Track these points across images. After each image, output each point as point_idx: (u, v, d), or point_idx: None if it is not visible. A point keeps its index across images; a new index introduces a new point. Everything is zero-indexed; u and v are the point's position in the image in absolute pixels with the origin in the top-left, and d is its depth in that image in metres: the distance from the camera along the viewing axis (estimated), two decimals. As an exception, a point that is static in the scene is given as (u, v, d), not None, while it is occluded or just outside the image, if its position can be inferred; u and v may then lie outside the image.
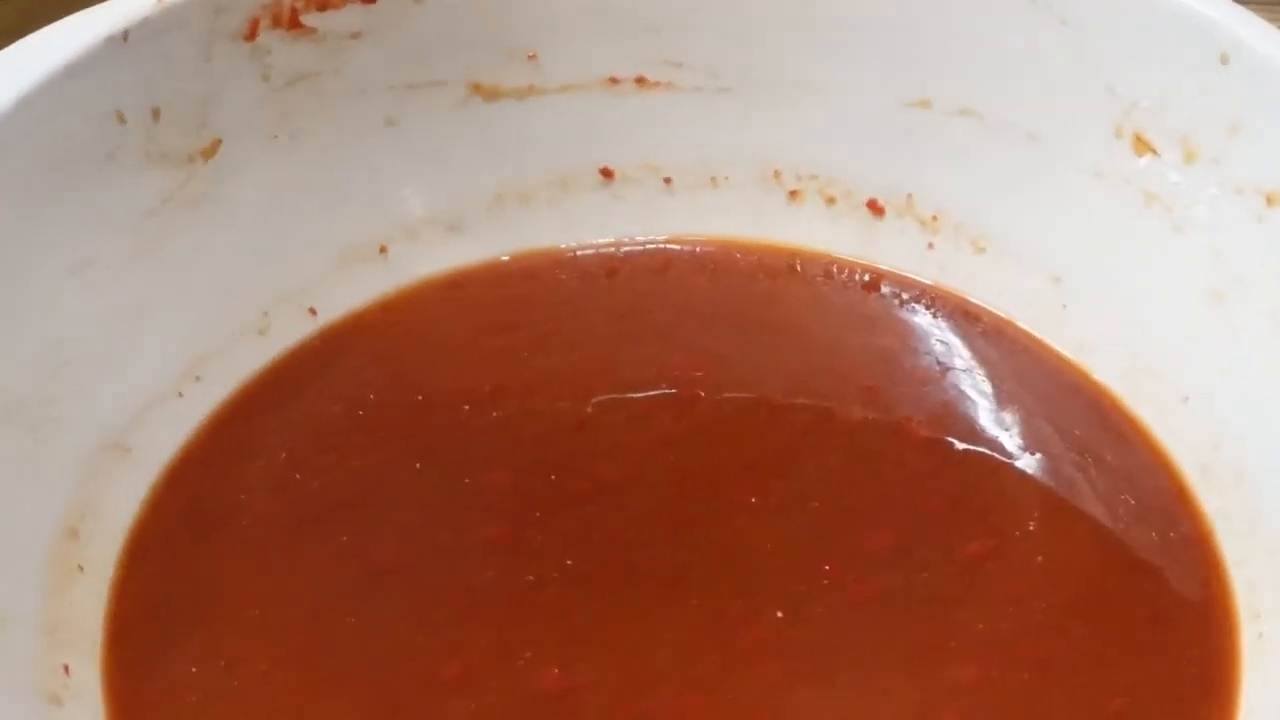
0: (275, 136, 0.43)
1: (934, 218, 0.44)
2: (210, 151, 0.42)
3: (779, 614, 0.38)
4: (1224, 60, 0.39)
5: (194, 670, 0.37)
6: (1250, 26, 0.39)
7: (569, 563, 0.39)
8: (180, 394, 0.42)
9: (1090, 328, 0.42)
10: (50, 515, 0.38)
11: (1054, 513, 0.40)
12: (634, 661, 0.37)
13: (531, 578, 0.39)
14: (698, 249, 0.46)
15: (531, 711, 0.36)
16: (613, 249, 0.46)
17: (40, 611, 0.37)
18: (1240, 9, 0.39)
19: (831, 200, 0.45)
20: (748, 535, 0.39)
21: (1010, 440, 0.42)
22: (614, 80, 0.45)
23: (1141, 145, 0.41)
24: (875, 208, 0.45)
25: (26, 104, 0.38)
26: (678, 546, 0.39)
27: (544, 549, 0.39)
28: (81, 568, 0.38)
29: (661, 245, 0.46)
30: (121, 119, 0.40)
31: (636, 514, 0.40)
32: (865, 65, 0.43)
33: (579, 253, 0.46)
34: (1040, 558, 0.39)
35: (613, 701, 0.36)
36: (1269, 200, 0.38)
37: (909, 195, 0.44)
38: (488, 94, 0.44)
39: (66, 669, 0.36)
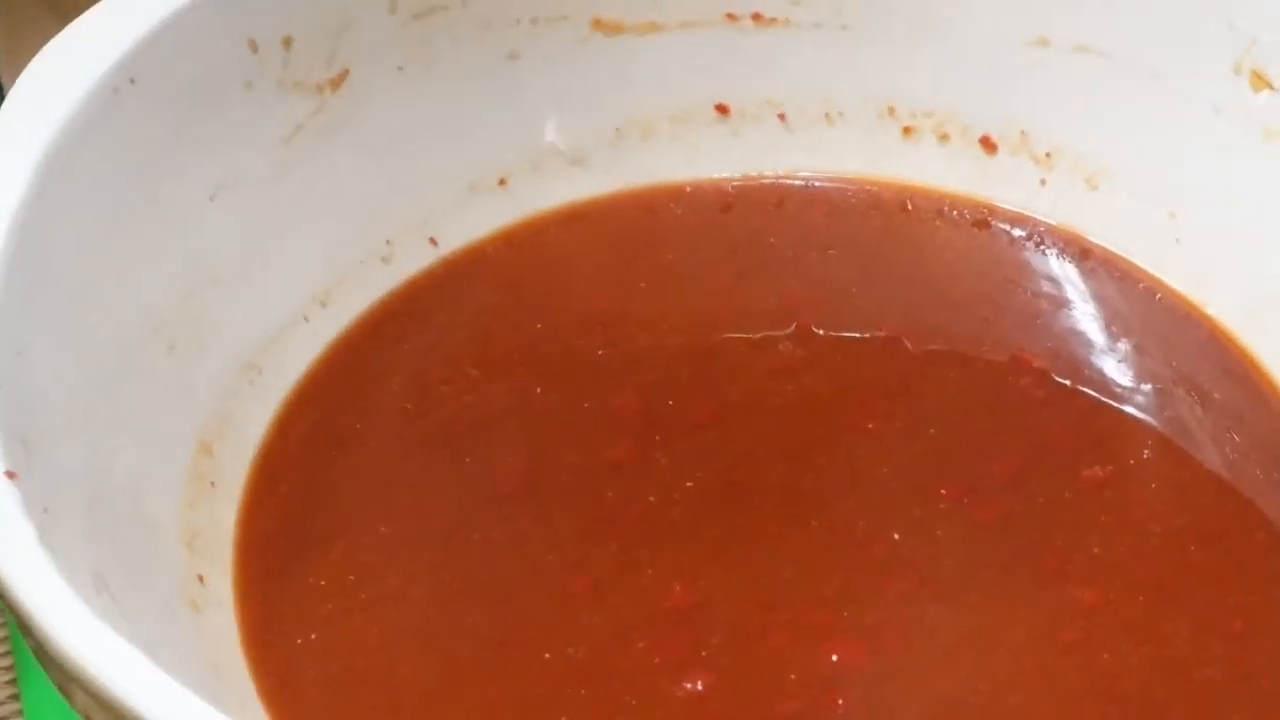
0: (402, 68, 0.43)
1: (1047, 154, 0.45)
2: (339, 81, 0.42)
3: (896, 535, 0.38)
4: (1347, -6, 0.39)
5: (324, 583, 0.38)
6: (1373, -39, 0.39)
7: (690, 484, 0.39)
8: (307, 319, 0.42)
9: (1205, 263, 0.43)
10: (187, 431, 0.39)
11: (1168, 443, 0.41)
12: (757, 579, 0.38)
13: (654, 498, 0.39)
14: (812, 185, 0.47)
15: (659, 625, 0.37)
16: (728, 184, 0.47)
17: (180, 521, 0.38)
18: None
19: (945, 137, 0.46)
20: (867, 460, 0.40)
21: (1124, 373, 0.42)
22: (732, 17, 0.45)
23: (1259, 81, 0.41)
24: (989, 144, 0.45)
25: (165, 31, 0.39)
26: (798, 470, 0.40)
27: (667, 470, 0.40)
28: (214, 483, 0.39)
29: (776, 181, 0.47)
30: (254, 47, 0.40)
31: (757, 438, 0.41)
32: (983, 3, 0.44)
33: (695, 187, 0.47)
34: (1155, 485, 0.40)
35: (737, 616, 0.37)
36: (1388, 135, 0.39)
37: (1023, 132, 0.45)
38: (609, 29, 0.45)
39: (202, 579, 0.37)
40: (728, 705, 0.36)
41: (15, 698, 0.42)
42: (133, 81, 0.38)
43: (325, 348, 0.43)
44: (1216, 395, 0.41)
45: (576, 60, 0.45)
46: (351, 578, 0.38)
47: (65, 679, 0.29)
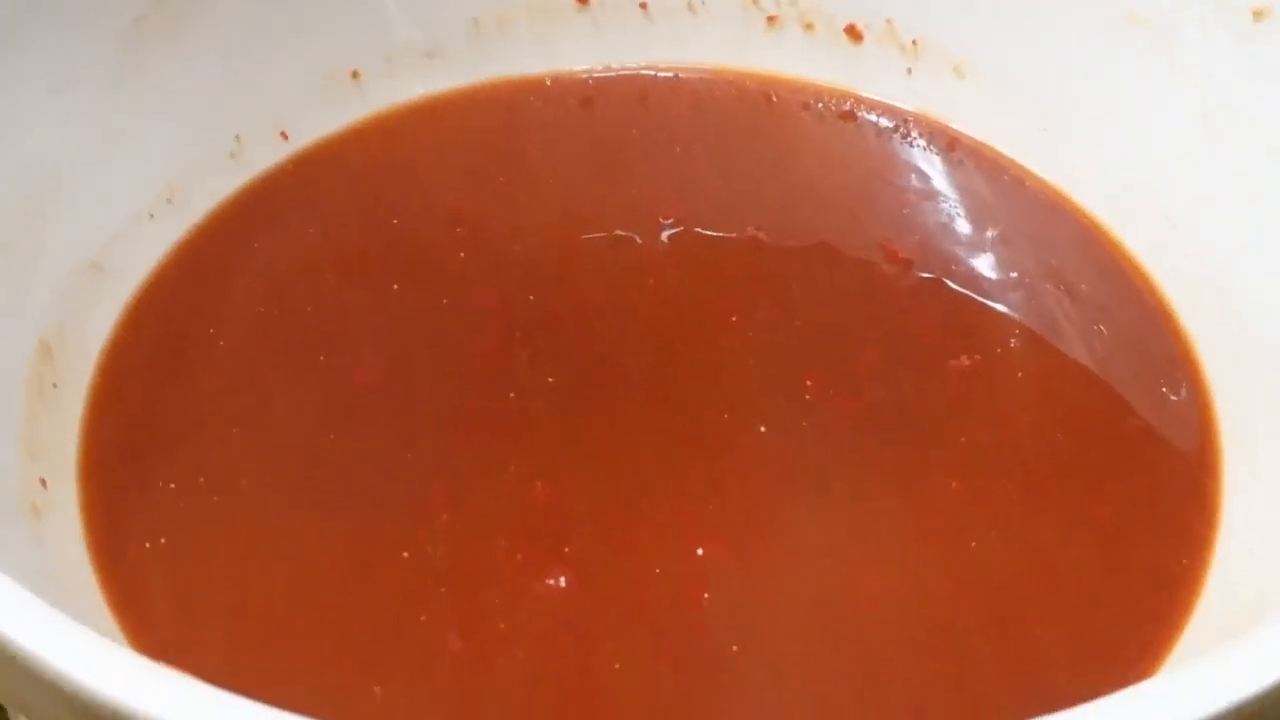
0: (248, -44, 0.42)
1: (914, 43, 0.44)
2: (184, -32, 0.41)
3: (762, 428, 0.38)
4: None
5: (173, 486, 0.37)
6: None
7: (551, 380, 0.39)
8: (152, 216, 0.41)
9: (1073, 152, 0.42)
10: (25, 333, 0.38)
11: (1036, 334, 0.40)
12: (620, 475, 0.37)
13: (514, 395, 0.38)
14: (675, 77, 0.46)
15: (520, 524, 0.36)
16: (589, 77, 0.46)
17: (17, 425, 0.36)
18: None
19: (810, 26, 0.45)
20: (730, 353, 0.39)
21: (991, 265, 0.41)
22: (592, -98, 0.44)
23: (1126, -37, 0.41)
24: (854, 33, 0.45)
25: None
26: (661, 364, 0.39)
27: (527, 367, 0.39)
28: (55, 385, 0.38)
29: (638, 73, 0.46)
30: (95, -72, 0.39)
31: (619, 333, 0.40)
32: (847, -114, 0.43)
33: (555, 80, 0.45)
34: (1022, 375, 0.39)
35: (600, 512, 0.36)
36: (1256, 15, 0.38)
37: (888, 20, 0.44)
38: (465, -83, 0.44)
39: (44, 482, 0.36)
40: (591, 601, 0.35)
41: None
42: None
43: (172, 246, 0.41)
44: (1083, 287, 0.41)
45: (431, -52, 0.44)
46: (201, 480, 0.37)
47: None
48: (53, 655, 0.25)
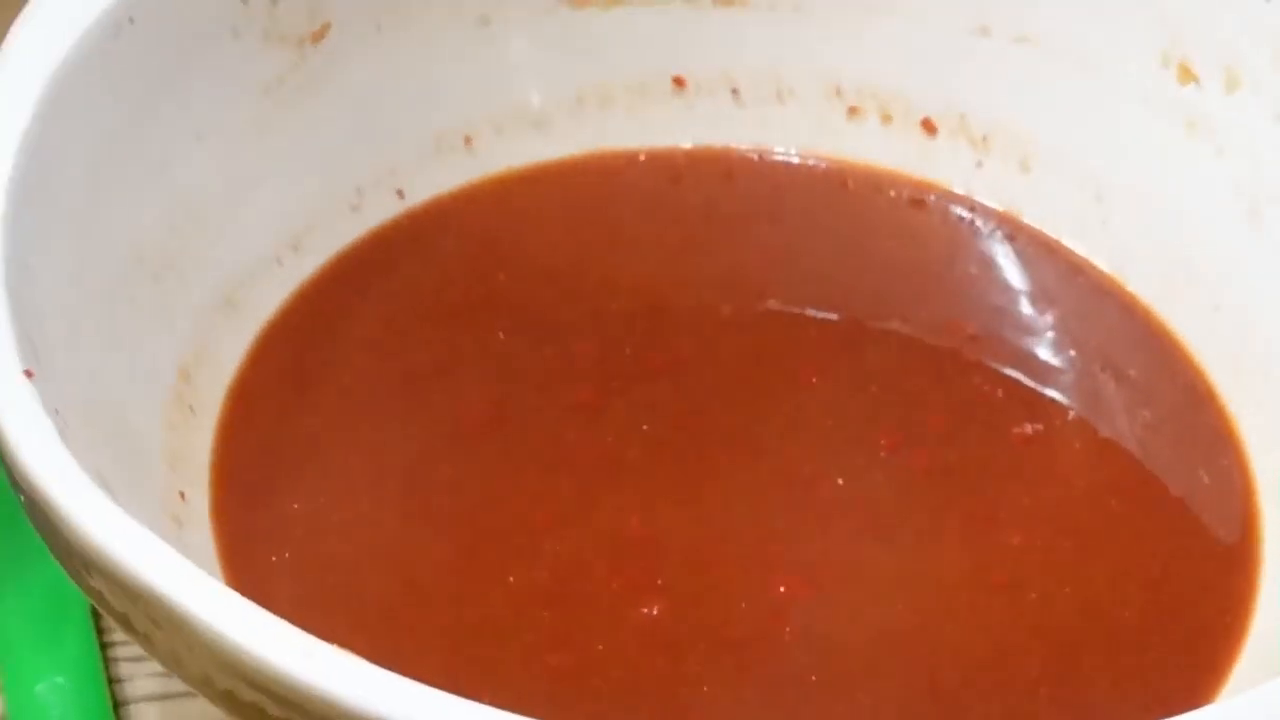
0: (379, 27, 0.45)
1: (984, 138, 0.48)
2: (320, 35, 0.44)
3: (839, 480, 0.41)
4: (1269, -7, 0.42)
5: (297, 506, 0.40)
6: (1295, -40, 0.42)
7: (646, 427, 0.42)
8: (280, 261, 0.44)
9: (1128, 243, 0.46)
10: (169, 357, 0.41)
11: (1089, 409, 0.43)
12: (709, 514, 0.40)
13: (612, 439, 0.42)
14: (760, 158, 0.49)
15: (617, 554, 0.39)
16: (680, 153, 0.49)
17: (162, 442, 0.39)
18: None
19: (888, 118, 0.48)
20: (810, 411, 0.42)
21: (1050, 345, 0.45)
22: (693, -5, 0.48)
23: (1186, 75, 0.44)
24: (929, 126, 0.48)
25: (162, -26, 0.41)
26: (746, 418, 0.42)
27: (624, 414, 0.42)
28: (193, 409, 0.41)
29: (725, 152, 0.49)
30: (244, -2, 0.43)
31: (708, 388, 0.43)
32: (931, -10, 0.47)
33: (649, 155, 0.49)
34: (1079, 444, 0.42)
35: (690, 549, 0.39)
36: (1306, 124, 0.42)
37: (962, 115, 0.48)
38: (577, 3, 0.47)
39: (183, 495, 0.39)
40: (682, 629, 0.38)
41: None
42: (132, 21, 0.40)
43: (297, 289, 0.45)
44: (1131, 371, 0.44)
45: (543, 29, 0.47)
46: (323, 500, 0.40)
47: (83, 566, 0.30)
48: (210, 615, 0.28)
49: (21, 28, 0.39)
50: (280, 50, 0.44)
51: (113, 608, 0.31)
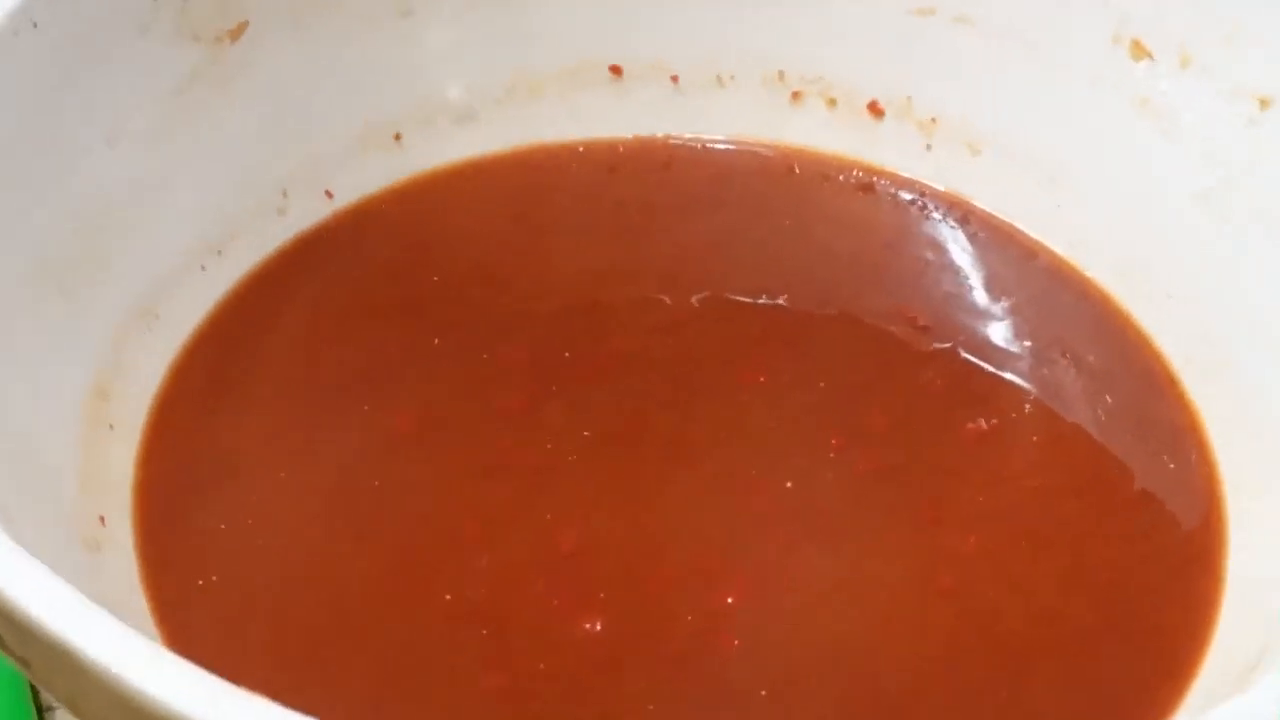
0: (298, 23, 0.44)
1: (932, 120, 0.46)
2: (237, 33, 0.43)
3: (787, 482, 0.39)
4: (1219, -33, 0.41)
5: (222, 526, 0.39)
6: (1248, -68, 0.41)
7: (585, 433, 0.40)
8: (203, 267, 0.43)
9: (1082, 227, 0.44)
10: (82, 375, 0.39)
11: (1045, 400, 0.42)
12: (651, 523, 0.39)
13: (549, 445, 0.40)
14: (701, 147, 0.48)
15: (549, 567, 0.38)
16: (618, 144, 0.47)
17: (78, 464, 0.38)
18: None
19: (833, 102, 0.47)
20: (756, 410, 0.41)
21: (1003, 333, 0.43)
22: (627, -22, 0.46)
23: (1139, 51, 0.43)
24: (875, 110, 0.47)
25: (65, -28, 0.39)
26: (689, 419, 0.41)
27: (560, 419, 0.41)
28: (112, 426, 0.39)
29: (665, 142, 0.48)
30: (156, -6, 0.41)
31: (648, 389, 0.42)
32: (872, -30, 0.45)
33: (586, 146, 0.47)
34: (1033, 438, 0.41)
35: (627, 559, 0.38)
36: (1262, 104, 0.40)
37: (909, 98, 0.46)
38: (504, -14, 0.46)
39: (102, 519, 0.37)
40: (624, 645, 0.36)
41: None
42: (35, 25, 0.38)
43: (222, 295, 0.43)
44: (1090, 358, 0.43)
45: (469, 17, 0.46)
46: (249, 520, 0.39)
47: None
48: (105, 657, 0.27)
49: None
50: (192, 48, 0.42)
51: (11, 650, 0.29)
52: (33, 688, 0.41)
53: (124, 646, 0.27)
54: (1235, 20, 0.41)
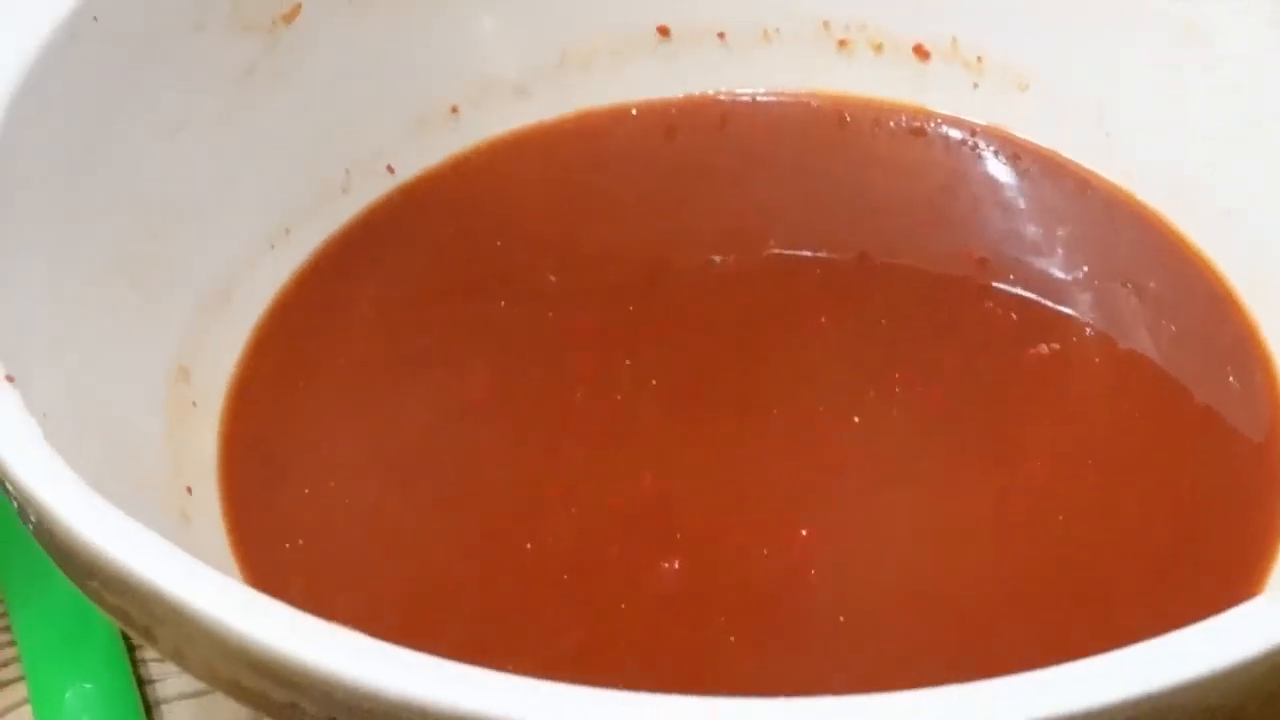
0: (351, 2, 0.45)
1: (979, 59, 0.47)
2: (291, 16, 0.44)
3: (856, 419, 0.40)
4: (1258, -113, 0.41)
5: (307, 492, 0.39)
6: None
7: (654, 383, 0.41)
8: (273, 247, 0.44)
9: (1133, 155, 0.45)
10: (163, 357, 0.40)
11: (1109, 326, 0.42)
12: (724, 467, 0.39)
13: (620, 401, 0.41)
14: (753, 101, 0.48)
15: (632, 514, 0.38)
16: (671, 106, 0.48)
17: (165, 441, 0.39)
18: None
19: (879, 48, 0.47)
20: (822, 352, 0.42)
21: (1062, 264, 0.44)
22: (669, -59, 0.47)
23: (1181, -25, 0.43)
24: (921, 52, 0.47)
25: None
26: (757, 365, 0.42)
27: (630, 376, 0.41)
28: (195, 404, 0.40)
29: (718, 100, 0.48)
30: (204, -13, 0.42)
31: (715, 340, 0.42)
32: (909, -86, 0.46)
33: (640, 109, 0.48)
34: (1098, 361, 0.41)
35: (707, 501, 0.39)
36: (1298, 22, 0.41)
37: (954, 38, 0.47)
38: (552, -42, 0.47)
39: (189, 490, 0.38)
40: (703, 583, 0.37)
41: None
42: (95, 20, 0.39)
43: (292, 274, 0.44)
44: (1150, 283, 0.43)
45: (517, -8, 0.47)
46: (332, 485, 0.39)
47: (84, 572, 0.30)
48: (206, 603, 0.28)
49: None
50: (249, 37, 0.43)
51: (110, 604, 0.30)
52: (133, 663, 0.42)
53: (223, 593, 0.28)
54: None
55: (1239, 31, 0.42)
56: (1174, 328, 0.43)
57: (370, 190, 0.46)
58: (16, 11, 0.39)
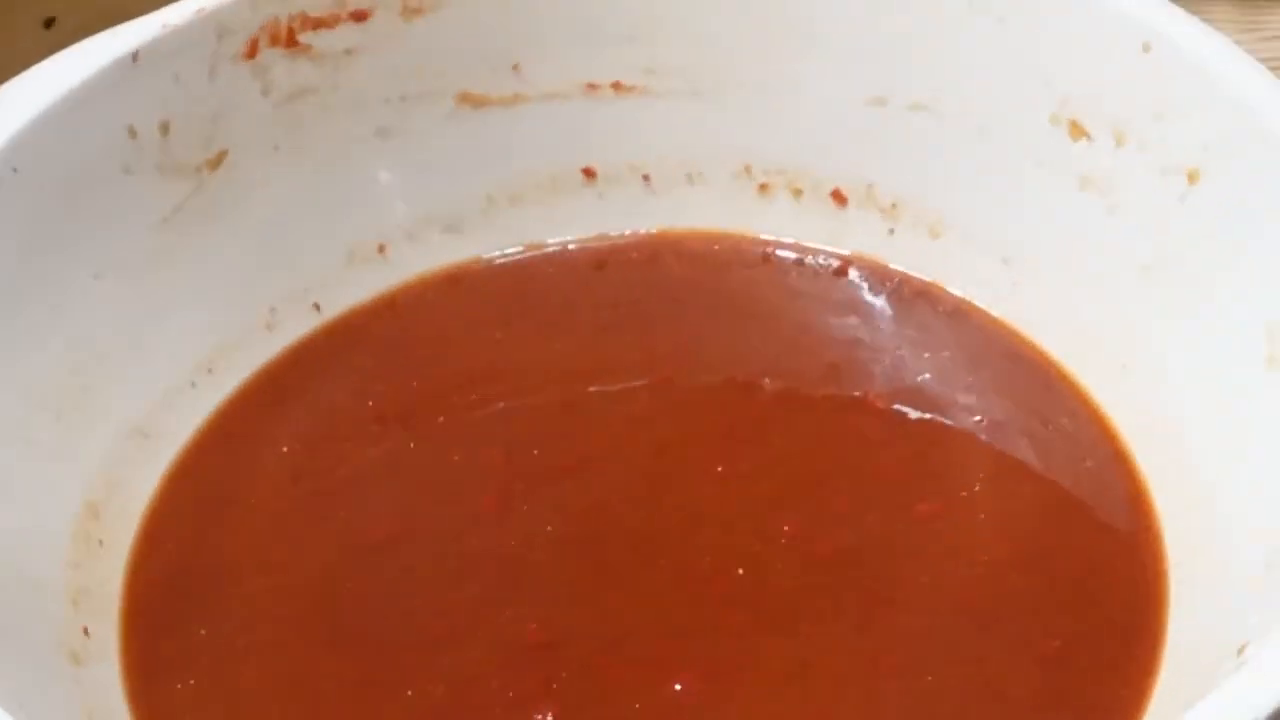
0: (278, 147, 0.46)
1: (893, 205, 0.47)
2: (217, 162, 0.45)
3: (740, 570, 0.41)
4: (1146, 49, 0.42)
5: (203, 632, 0.41)
6: (1169, 16, 0.42)
7: (550, 529, 0.42)
8: (194, 384, 0.45)
9: (1038, 304, 0.45)
10: (75, 494, 0.42)
11: (999, 476, 0.43)
12: (607, 615, 0.40)
13: (515, 543, 0.42)
14: (677, 241, 0.49)
15: (514, 662, 0.39)
16: (602, 243, 0.49)
17: (65, 580, 0.40)
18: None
19: (799, 192, 0.48)
20: (714, 500, 0.43)
21: (962, 411, 0.45)
22: (593, 86, 0.48)
23: (1077, 131, 0.44)
24: (839, 197, 0.48)
25: (46, 121, 0.41)
26: (651, 512, 0.43)
27: (529, 518, 0.42)
28: (102, 542, 0.42)
29: (644, 239, 0.49)
30: (133, 134, 0.43)
31: (615, 484, 0.43)
32: (825, 66, 0.47)
33: (568, 248, 0.49)
34: (983, 516, 0.42)
35: (588, 651, 0.39)
36: (1190, 178, 0.41)
37: (869, 185, 0.48)
38: (476, 102, 0.48)
39: (86, 630, 0.40)
40: (572, 734, 0.38)
41: None
42: (15, 171, 0.41)
43: (213, 411, 0.45)
44: (1045, 430, 0.44)
45: (445, 132, 0.48)
46: (230, 626, 0.41)
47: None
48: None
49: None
50: (175, 181, 0.44)
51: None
52: None
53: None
54: (1163, 97, 0.42)
55: (1133, 187, 0.43)
56: (1064, 473, 0.43)
57: (295, 328, 0.47)
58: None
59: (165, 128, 0.44)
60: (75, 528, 0.41)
